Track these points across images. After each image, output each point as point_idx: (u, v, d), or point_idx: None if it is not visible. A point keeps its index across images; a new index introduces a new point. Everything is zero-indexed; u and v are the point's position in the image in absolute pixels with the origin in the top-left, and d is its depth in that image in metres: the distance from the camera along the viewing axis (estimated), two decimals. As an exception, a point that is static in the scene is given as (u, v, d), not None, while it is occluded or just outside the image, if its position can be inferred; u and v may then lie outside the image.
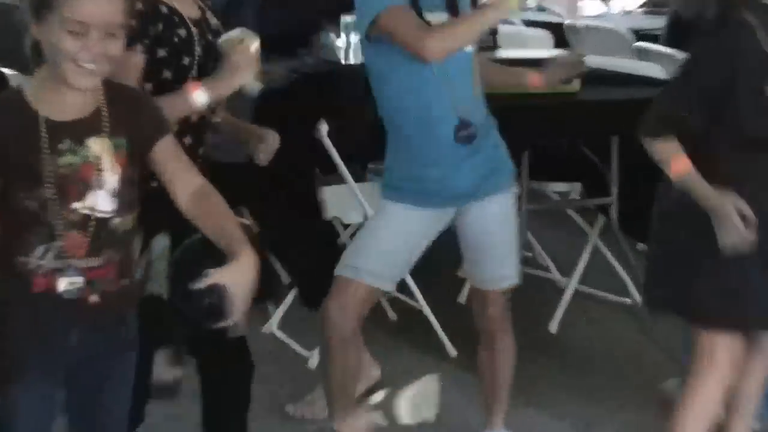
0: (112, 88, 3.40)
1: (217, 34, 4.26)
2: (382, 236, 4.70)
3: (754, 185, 4.08)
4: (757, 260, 4.07)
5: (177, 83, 4.04)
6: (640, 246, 6.40)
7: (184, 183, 3.48)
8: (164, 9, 4.06)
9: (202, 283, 3.21)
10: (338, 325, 4.62)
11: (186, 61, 4.11)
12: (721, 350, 4.22)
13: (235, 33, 4.08)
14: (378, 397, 4.57)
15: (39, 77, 3.38)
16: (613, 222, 6.27)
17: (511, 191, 4.70)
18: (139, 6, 3.80)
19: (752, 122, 4.07)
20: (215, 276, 3.22)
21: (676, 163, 4.12)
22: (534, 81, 4.64)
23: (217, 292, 3.22)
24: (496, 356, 4.82)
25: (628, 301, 6.39)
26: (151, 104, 3.62)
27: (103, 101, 3.39)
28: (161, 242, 3.87)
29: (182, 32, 4.11)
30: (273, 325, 5.73)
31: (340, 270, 4.64)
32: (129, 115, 3.43)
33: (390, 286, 4.76)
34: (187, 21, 4.14)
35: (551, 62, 4.71)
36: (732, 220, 3.99)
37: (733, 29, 4.17)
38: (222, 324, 3.36)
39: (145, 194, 3.64)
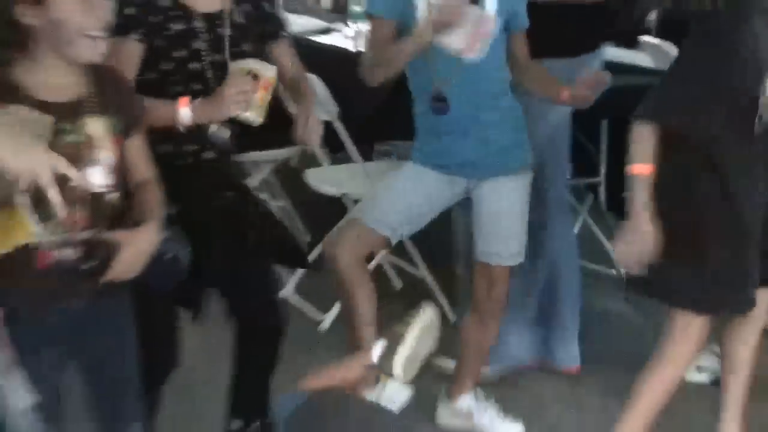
0: (98, 71, 3.43)
1: (241, 28, 4.20)
2: (394, 187, 4.74)
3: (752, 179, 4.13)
4: (731, 250, 4.12)
5: (180, 74, 4.07)
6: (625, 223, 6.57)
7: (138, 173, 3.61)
8: (166, 1, 4.04)
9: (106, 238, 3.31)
10: (342, 258, 4.61)
11: (183, 53, 4.07)
12: (694, 329, 4.28)
13: (248, 63, 4.04)
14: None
15: (29, 64, 3.33)
16: (601, 200, 6.40)
17: (524, 176, 4.72)
18: None
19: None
20: (115, 234, 3.33)
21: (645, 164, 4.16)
22: (563, 96, 4.62)
23: (109, 247, 3.31)
24: (486, 330, 4.87)
25: (613, 272, 6.47)
26: (131, 92, 3.72)
27: (92, 82, 3.41)
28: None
29: (179, 26, 4.07)
30: (288, 291, 5.76)
31: (350, 214, 4.79)
32: (116, 96, 3.49)
33: (389, 233, 4.66)
34: (192, 14, 4.08)
35: (580, 81, 4.64)
36: (635, 241, 4.17)
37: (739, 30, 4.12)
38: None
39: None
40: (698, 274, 4.18)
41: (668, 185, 4.13)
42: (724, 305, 4.29)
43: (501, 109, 4.62)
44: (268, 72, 4.04)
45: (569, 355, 5.52)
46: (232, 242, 4.23)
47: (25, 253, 3.31)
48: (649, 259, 4.13)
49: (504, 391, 5.21)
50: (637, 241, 4.16)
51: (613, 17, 5.46)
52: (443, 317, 5.49)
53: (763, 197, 4.17)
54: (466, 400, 4.99)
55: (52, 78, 3.33)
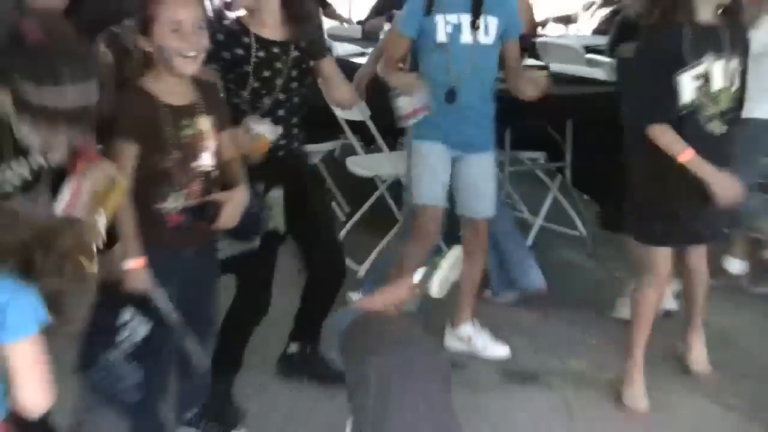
0: (200, 82, 3.56)
1: (301, 50, 4.18)
2: (430, 167, 4.68)
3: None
4: (686, 199, 4.15)
5: (238, 85, 4.11)
6: (585, 197, 6.61)
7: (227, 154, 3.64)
8: (233, 26, 4.12)
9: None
10: (430, 236, 4.73)
11: (243, 70, 4.09)
12: (661, 261, 4.33)
13: (259, 130, 4.01)
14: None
15: (155, 77, 3.44)
16: (567, 179, 6.36)
17: (491, 153, 4.78)
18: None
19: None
20: (219, 196, 3.50)
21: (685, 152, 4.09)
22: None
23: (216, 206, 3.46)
24: (472, 268, 4.84)
25: (577, 233, 6.51)
26: (222, 99, 3.86)
27: (198, 90, 3.53)
28: (277, 193, 3.99)
29: (239, 51, 4.09)
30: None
31: (416, 201, 4.73)
32: (213, 102, 3.60)
33: (444, 204, 4.73)
34: (259, 40, 4.10)
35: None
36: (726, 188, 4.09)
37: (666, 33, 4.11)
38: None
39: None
40: (664, 216, 4.25)
41: (653, 162, 4.16)
42: (679, 239, 4.36)
43: (489, 103, 4.68)
44: (269, 136, 4.05)
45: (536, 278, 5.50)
46: (308, 211, 4.33)
47: (161, 215, 3.46)
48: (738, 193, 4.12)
49: (490, 319, 5.17)
50: (727, 188, 4.09)
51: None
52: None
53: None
54: (466, 328, 4.98)
55: (172, 87, 3.45)
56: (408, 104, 4.53)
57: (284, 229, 4.10)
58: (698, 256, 4.58)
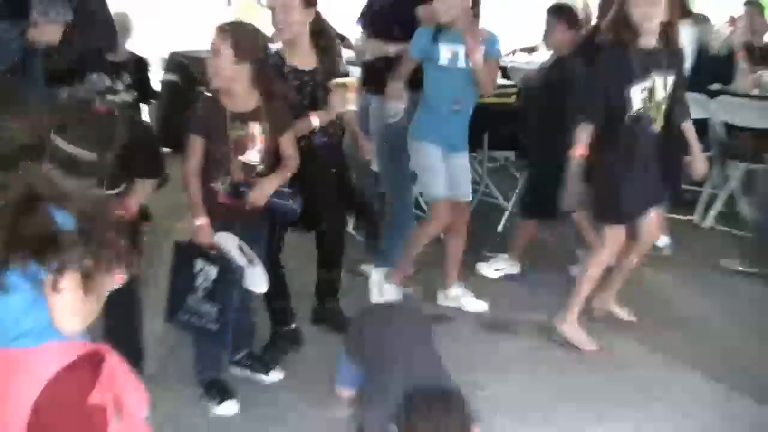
0: (269, 95, 3.67)
1: (323, 79, 4.19)
2: (435, 167, 4.64)
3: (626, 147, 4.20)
4: (627, 184, 4.22)
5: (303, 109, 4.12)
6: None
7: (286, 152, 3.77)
8: (276, 59, 4.07)
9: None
10: (442, 226, 4.75)
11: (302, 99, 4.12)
12: (612, 237, 4.35)
13: (341, 79, 4.12)
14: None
15: (225, 89, 3.60)
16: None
17: (467, 151, 4.79)
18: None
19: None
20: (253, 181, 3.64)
21: (579, 147, 4.17)
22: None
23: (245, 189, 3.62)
24: (458, 241, 4.91)
25: None
26: (287, 111, 3.85)
27: (261, 102, 3.64)
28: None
29: (296, 81, 4.12)
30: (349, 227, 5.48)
31: (426, 198, 4.86)
32: (275, 114, 3.68)
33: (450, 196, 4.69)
34: (293, 71, 4.13)
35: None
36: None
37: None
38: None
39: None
40: (609, 198, 4.30)
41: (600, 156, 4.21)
42: (623, 218, 4.34)
43: (470, 113, 4.70)
44: (352, 80, 4.18)
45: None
46: (333, 197, 4.40)
47: (214, 194, 3.65)
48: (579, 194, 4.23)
49: (472, 282, 5.17)
50: (570, 195, 4.22)
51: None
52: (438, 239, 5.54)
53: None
54: (454, 288, 5.00)
55: (236, 101, 3.61)
56: (397, 110, 4.62)
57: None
58: (649, 225, 4.51)
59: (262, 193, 3.66)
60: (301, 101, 4.12)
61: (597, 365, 4.35)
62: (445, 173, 4.68)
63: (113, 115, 3.29)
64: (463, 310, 4.96)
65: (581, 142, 4.18)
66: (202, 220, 3.62)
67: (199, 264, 3.64)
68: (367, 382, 3.30)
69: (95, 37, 4.28)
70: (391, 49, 4.82)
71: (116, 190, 3.39)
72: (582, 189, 4.23)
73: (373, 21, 5.04)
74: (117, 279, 2.41)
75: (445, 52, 4.53)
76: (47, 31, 4.01)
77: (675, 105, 4.29)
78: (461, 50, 4.51)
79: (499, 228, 6.35)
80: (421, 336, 3.39)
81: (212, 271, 3.61)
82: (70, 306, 2.22)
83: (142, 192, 3.56)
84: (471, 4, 4.52)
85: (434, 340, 3.44)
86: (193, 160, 3.62)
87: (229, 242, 3.65)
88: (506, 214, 6.43)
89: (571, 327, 4.51)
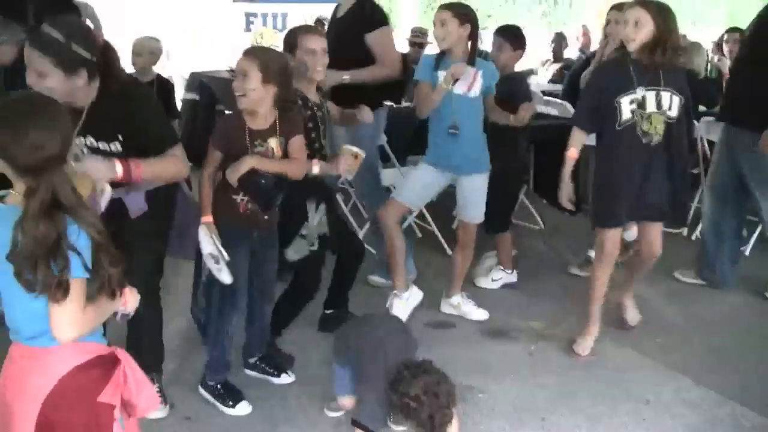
0: (285, 111, 3.66)
1: (323, 111, 4.21)
2: (414, 178, 4.71)
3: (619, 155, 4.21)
4: (615, 189, 4.25)
5: (315, 141, 4.08)
6: (544, 201, 6.50)
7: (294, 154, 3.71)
8: (308, 102, 4.07)
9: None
10: (388, 221, 4.69)
11: (314, 130, 4.09)
12: (609, 241, 4.34)
13: (352, 149, 4.11)
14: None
15: (247, 109, 3.60)
16: (530, 187, 6.42)
17: (485, 174, 4.70)
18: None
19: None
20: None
21: (572, 150, 4.27)
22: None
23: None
24: (465, 255, 4.86)
25: (537, 227, 6.45)
26: (299, 121, 3.84)
27: (278, 120, 3.64)
28: (322, 208, 4.09)
29: (309, 112, 4.08)
30: (360, 234, 5.61)
31: (392, 195, 4.78)
32: (288, 126, 3.68)
33: (413, 207, 4.79)
34: (316, 104, 4.13)
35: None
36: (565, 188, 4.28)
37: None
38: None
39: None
40: (605, 206, 4.33)
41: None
42: (617, 222, 4.33)
43: (479, 136, 4.66)
44: (361, 153, 4.13)
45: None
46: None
47: (234, 203, 3.66)
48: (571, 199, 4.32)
49: (473, 291, 5.16)
50: (564, 194, 4.31)
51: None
52: (443, 251, 5.53)
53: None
54: (457, 297, 4.96)
55: (257, 119, 3.63)
56: (463, 83, 4.49)
57: (328, 233, 4.13)
58: (647, 234, 4.51)
59: (238, 165, 3.55)
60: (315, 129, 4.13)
61: (593, 370, 4.33)
62: (425, 189, 4.76)
63: None
64: (464, 318, 4.93)
65: (574, 145, 4.29)
66: (206, 218, 3.63)
67: (203, 261, 3.72)
68: (358, 382, 3.38)
69: None
70: (345, 76, 4.77)
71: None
72: (572, 188, 4.32)
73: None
74: (122, 303, 2.43)
75: (441, 79, 4.51)
76: (2, 52, 4.08)
77: (676, 122, 4.25)
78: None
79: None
80: (397, 327, 3.58)
81: (206, 269, 3.71)
82: (68, 315, 2.21)
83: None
84: (468, 33, 4.51)
85: (409, 332, 3.58)
86: (210, 169, 3.66)
87: (201, 234, 3.63)
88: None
89: (587, 330, 4.53)
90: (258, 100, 3.57)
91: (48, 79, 2.95)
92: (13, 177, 2.22)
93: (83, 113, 3.15)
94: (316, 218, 4.06)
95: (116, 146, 3.22)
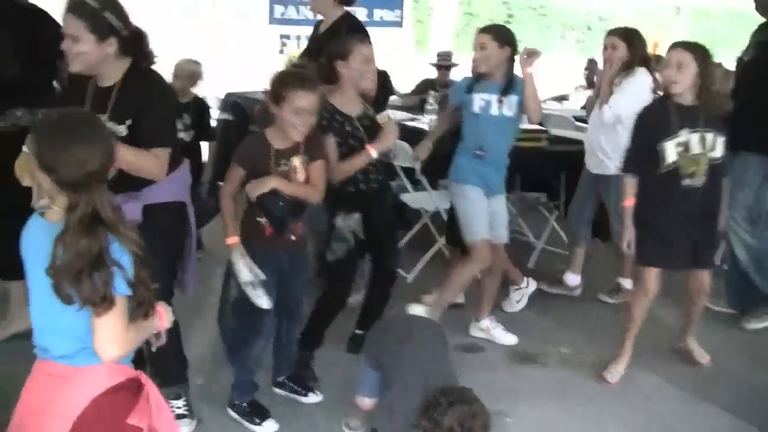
0: (309, 137, 3.64)
1: (372, 119, 4.22)
2: (473, 209, 4.59)
3: (661, 199, 4.21)
4: (659, 230, 4.23)
5: (353, 150, 4.05)
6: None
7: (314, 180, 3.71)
8: (337, 115, 4.05)
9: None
10: (484, 261, 4.62)
11: (353, 141, 4.07)
12: (652, 279, 4.32)
13: (384, 113, 4.14)
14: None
15: (272, 128, 3.65)
16: (561, 213, 6.33)
17: (504, 194, 4.75)
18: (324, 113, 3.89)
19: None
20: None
21: (628, 198, 4.26)
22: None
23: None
24: (493, 278, 4.87)
25: (566, 253, 6.24)
26: (323, 143, 3.88)
27: (302, 141, 3.63)
28: (355, 217, 4.10)
29: (348, 127, 4.08)
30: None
31: (470, 237, 4.60)
32: (312, 147, 3.68)
33: (491, 238, 4.62)
34: (348, 117, 4.09)
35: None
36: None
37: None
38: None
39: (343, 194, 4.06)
40: (650, 245, 4.27)
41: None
42: (662, 263, 4.32)
43: (505, 158, 4.68)
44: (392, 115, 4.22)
45: None
46: (386, 229, 4.38)
47: (260, 225, 3.63)
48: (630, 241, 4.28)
49: (503, 314, 5.16)
50: (625, 239, 4.30)
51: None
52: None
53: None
54: (486, 322, 4.94)
55: (282, 139, 3.63)
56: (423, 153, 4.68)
57: (356, 244, 4.11)
58: (697, 279, 4.49)
59: (260, 183, 3.57)
60: (349, 141, 4.12)
61: (621, 398, 4.30)
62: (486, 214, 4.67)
63: None
64: (493, 342, 4.91)
65: (630, 193, 4.28)
66: (232, 239, 3.64)
67: (231, 281, 3.68)
68: (386, 388, 3.33)
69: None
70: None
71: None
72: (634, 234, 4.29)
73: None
74: (159, 325, 2.45)
75: (478, 101, 4.56)
76: None
77: (720, 162, 4.25)
78: (494, 99, 4.54)
79: (530, 264, 6.32)
80: (436, 340, 3.48)
81: (236, 290, 3.67)
82: (111, 332, 2.22)
83: None
84: (508, 56, 4.54)
85: (446, 344, 3.55)
86: (230, 186, 3.66)
87: (239, 261, 3.63)
88: (535, 252, 6.41)
89: (619, 360, 4.50)
90: (293, 124, 3.59)
91: (81, 43, 3.14)
92: (54, 192, 2.24)
93: (111, 93, 3.27)
94: (353, 221, 4.07)
95: (123, 128, 3.25)
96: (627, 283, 5.53)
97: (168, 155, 3.32)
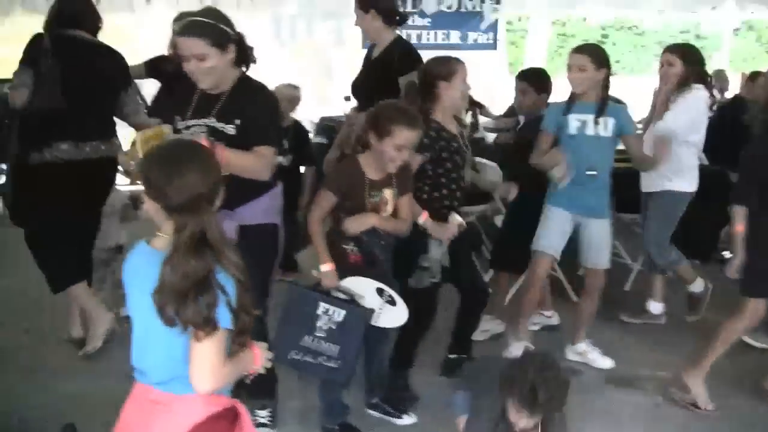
0: (400, 169, 3.66)
1: (464, 145, 4.20)
2: (548, 225, 4.62)
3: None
4: None
5: (457, 167, 4.11)
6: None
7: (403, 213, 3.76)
8: (443, 132, 4.06)
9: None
10: (539, 274, 4.68)
11: (457, 157, 4.11)
12: (751, 308, 4.22)
13: (458, 219, 4.13)
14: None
15: (366, 157, 3.67)
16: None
17: (607, 218, 4.68)
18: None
19: None
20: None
21: (738, 225, 4.17)
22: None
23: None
24: (591, 302, 4.82)
25: (628, 262, 6.32)
26: (411, 176, 3.87)
27: (394, 173, 3.67)
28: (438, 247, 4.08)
29: (454, 144, 4.10)
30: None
31: (533, 247, 4.66)
32: (402, 180, 3.70)
33: (556, 255, 4.68)
34: (453, 135, 4.11)
35: None
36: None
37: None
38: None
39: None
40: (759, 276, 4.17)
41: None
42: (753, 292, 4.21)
43: (606, 179, 4.63)
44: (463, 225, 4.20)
45: None
46: (464, 257, 4.35)
47: (344, 252, 3.68)
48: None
49: (600, 338, 5.03)
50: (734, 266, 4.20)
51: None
52: (569, 298, 5.44)
53: None
54: (582, 345, 4.91)
55: (376, 170, 3.66)
56: (559, 171, 4.49)
57: (442, 271, 4.11)
58: None
59: (361, 221, 3.64)
60: (454, 158, 4.14)
61: (716, 425, 4.23)
62: (562, 235, 4.67)
63: None
64: (590, 365, 4.86)
65: (740, 221, 4.17)
66: (328, 266, 3.65)
67: (323, 306, 3.62)
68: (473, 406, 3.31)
69: (42, 99, 4.36)
70: None
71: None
72: (744, 260, 4.19)
73: (356, 95, 5.04)
74: (253, 368, 2.45)
75: (574, 122, 4.54)
76: (17, 95, 4.34)
77: None
78: (590, 119, 4.51)
79: (626, 287, 6.24)
80: None
81: (339, 314, 3.60)
82: (209, 365, 2.23)
83: None
84: (604, 77, 4.52)
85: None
86: (320, 211, 3.68)
87: (362, 285, 3.65)
88: (632, 273, 6.31)
89: (696, 381, 4.36)
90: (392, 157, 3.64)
91: (207, 59, 3.30)
92: (163, 218, 2.28)
93: (218, 98, 3.43)
94: (439, 251, 4.07)
95: (231, 129, 3.37)
96: (656, 308, 5.51)
97: (273, 155, 3.44)
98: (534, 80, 5.24)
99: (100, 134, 4.55)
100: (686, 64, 5.04)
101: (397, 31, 5.08)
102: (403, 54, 4.89)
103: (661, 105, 5.11)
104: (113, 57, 4.64)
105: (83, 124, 4.45)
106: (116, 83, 4.61)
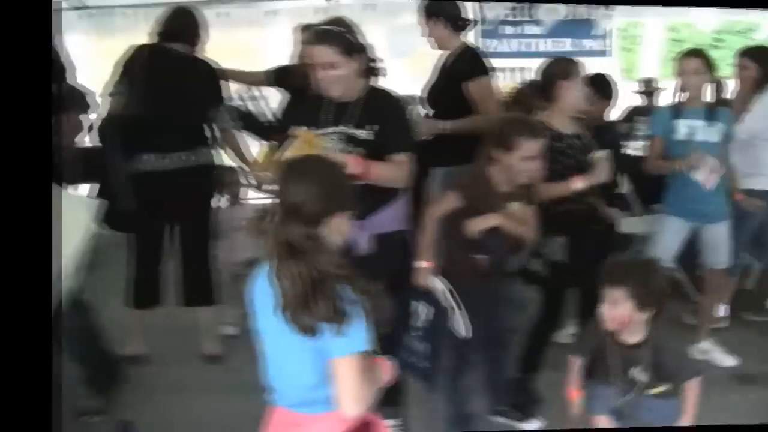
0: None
1: (585, 142, 4.14)
2: (662, 233, 4.65)
3: None
4: None
5: (565, 168, 4.02)
6: None
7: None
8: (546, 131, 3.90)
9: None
10: None
11: (562, 158, 4.00)
12: None
13: (600, 153, 4.06)
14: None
15: (495, 168, 3.63)
16: None
17: (724, 222, 4.68)
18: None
19: None
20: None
21: None
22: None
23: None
24: (713, 302, 4.89)
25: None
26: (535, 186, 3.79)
27: (522, 185, 3.65)
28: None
29: (558, 144, 4.00)
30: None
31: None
32: (532, 192, 3.69)
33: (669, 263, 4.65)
34: (559, 134, 4.03)
35: None
36: None
37: None
38: None
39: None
40: None
41: None
42: None
43: (719, 185, 4.59)
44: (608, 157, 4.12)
45: None
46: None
47: (473, 261, 3.65)
48: None
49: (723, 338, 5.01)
50: None
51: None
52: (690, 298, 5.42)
53: None
54: (705, 343, 4.92)
55: (505, 182, 3.66)
56: (704, 174, 4.47)
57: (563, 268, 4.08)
58: None
59: (484, 219, 3.61)
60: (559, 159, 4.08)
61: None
62: (675, 243, 4.67)
63: None
64: (713, 364, 4.82)
65: None
66: (425, 263, 3.63)
67: (414, 304, 3.63)
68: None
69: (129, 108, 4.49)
70: (447, 125, 4.63)
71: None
72: None
73: (431, 104, 5.00)
74: (385, 380, 2.43)
75: (682, 128, 4.55)
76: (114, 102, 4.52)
77: None
78: (699, 124, 4.51)
79: (750, 286, 6.09)
80: None
81: (429, 312, 3.62)
82: (354, 388, 2.21)
83: None
84: (714, 81, 4.55)
85: None
86: (439, 209, 3.67)
87: (439, 286, 3.64)
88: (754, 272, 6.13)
89: None
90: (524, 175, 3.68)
91: (338, 67, 3.35)
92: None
93: (348, 106, 3.46)
94: (550, 244, 4.03)
95: (369, 134, 3.42)
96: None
97: (410, 162, 3.47)
98: (597, 86, 5.10)
99: (188, 145, 4.63)
100: (760, 66, 4.97)
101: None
102: (474, 57, 4.85)
103: (738, 108, 5.02)
104: (203, 69, 4.69)
105: (168, 135, 4.52)
106: (204, 95, 4.67)
